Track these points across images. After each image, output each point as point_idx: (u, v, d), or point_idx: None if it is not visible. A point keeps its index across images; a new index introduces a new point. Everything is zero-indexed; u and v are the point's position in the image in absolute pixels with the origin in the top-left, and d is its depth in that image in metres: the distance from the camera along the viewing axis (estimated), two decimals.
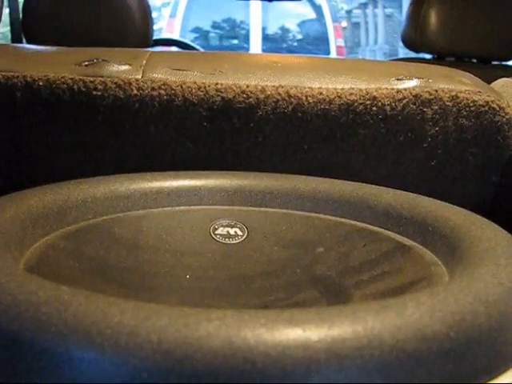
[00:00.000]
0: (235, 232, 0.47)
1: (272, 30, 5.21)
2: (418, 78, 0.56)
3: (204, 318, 0.23)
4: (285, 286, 0.41)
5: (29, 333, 0.23)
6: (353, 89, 0.54)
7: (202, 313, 0.24)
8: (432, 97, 0.54)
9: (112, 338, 0.23)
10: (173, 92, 0.54)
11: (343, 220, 0.46)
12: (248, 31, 4.88)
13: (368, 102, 0.54)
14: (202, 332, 0.23)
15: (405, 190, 0.47)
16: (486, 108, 0.55)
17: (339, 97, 0.54)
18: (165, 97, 0.53)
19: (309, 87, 0.54)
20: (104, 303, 0.24)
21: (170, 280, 0.41)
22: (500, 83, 0.65)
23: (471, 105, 0.55)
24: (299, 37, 5.29)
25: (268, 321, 0.23)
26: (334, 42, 4.76)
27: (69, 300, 0.25)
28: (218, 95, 0.54)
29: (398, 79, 0.56)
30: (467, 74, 0.60)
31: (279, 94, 0.54)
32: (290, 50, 5.15)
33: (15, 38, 1.62)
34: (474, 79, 0.59)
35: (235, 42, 5.09)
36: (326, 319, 0.24)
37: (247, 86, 0.54)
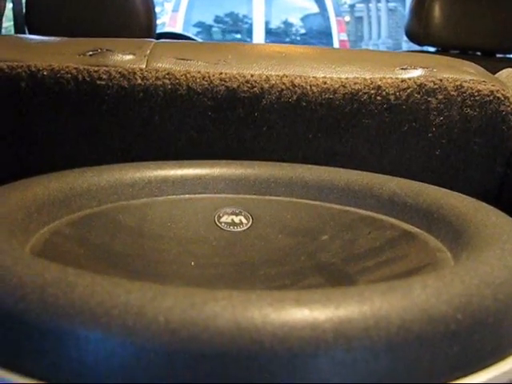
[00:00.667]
0: (240, 220, 0.47)
1: (275, 24, 5.20)
2: (423, 68, 0.56)
3: (211, 298, 0.23)
4: (290, 272, 0.41)
5: (35, 314, 0.24)
6: (357, 78, 0.54)
7: (208, 293, 0.24)
8: (436, 86, 0.54)
9: (119, 318, 0.23)
10: (177, 82, 0.54)
11: (348, 208, 0.46)
12: (251, 25, 4.87)
13: (372, 92, 0.54)
14: (209, 312, 0.23)
15: (409, 179, 0.47)
16: (491, 97, 0.55)
17: (343, 86, 0.54)
18: (169, 86, 0.53)
19: (313, 77, 0.54)
20: (110, 284, 0.24)
21: (174, 267, 0.42)
22: (505, 73, 0.65)
23: (476, 94, 0.55)
24: (302, 31, 5.28)
25: (275, 301, 0.23)
26: (337, 36, 4.75)
27: (75, 281, 0.25)
28: (223, 85, 0.54)
29: (402, 69, 0.56)
30: (472, 63, 0.60)
31: (283, 84, 0.54)
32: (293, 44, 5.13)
33: (18, 33, 1.62)
34: (479, 69, 0.59)
35: (238, 36, 5.08)
36: (332, 299, 0.24)
37: (251, 76, 0.54)
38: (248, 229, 0.46)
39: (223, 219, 0.47)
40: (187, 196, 0.48)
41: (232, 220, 0.47)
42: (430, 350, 0.24)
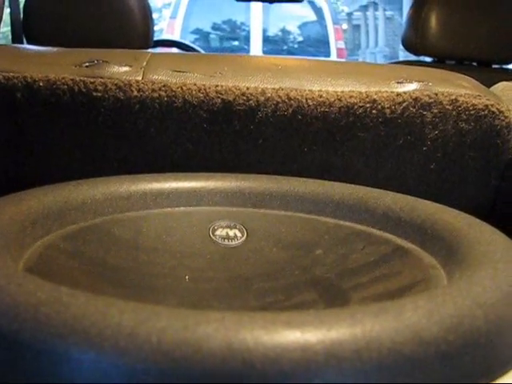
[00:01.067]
0: (234, 233, 0.47)
1: (273, 31, 5.22)
2: (418, 82, 0.56)
3: (203, 319, 0.24)
4: (283, 287, 0.42)
5: (28, 333, 0.24)
6: (353, 92, 0.54)
7: (201, 314, 0.24)
8: (432, 100, 0.55)
9: (111, 339, 0.23)
10: (173, 94, 0.54)
11: (342, 222, 0.46)
12: (248, 33, 4.89)
13: (368, 105, 0.54)
14: (201, 333, 0.23)
15: (404, 193, 0.48)
16: (486, 112, 0.55)
17: (339, 99, 0.54)
18: (165, 98, 0.54)
19: (309, 90, 0.54)
20: (103, 304, 0.24)
21: (169, 281, 0.42)
22: (500, 87, 0.65)
23: (471, 108, 0.55)
24: (300, 39, 5.30)
25: (267, 323, 0.24)
26: (335, 45, 4.77)
27: (68, 301, 0.25)
28: (219, 97, 0.54)
29: (398, 82, 0.56)
30: (467, 77, 0.60)
31: (279, 97, 0.54)
32: (291, 52, 5.15)
33: (16, 38, 1.62)
34: (474, 83, 0.59)
35: (236, 43, 5.10)
36: (324, 321, 0.24)
37: (247, 89, 0.54)
38: (242, 242, 0.46)
39: (218, 232, 0.47)
40: (182, 209, 0.48)
41: (226, 233, 0.47)
42: (421, 372, 0.24)
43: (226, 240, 0.46)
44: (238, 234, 0.47)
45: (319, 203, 0.48)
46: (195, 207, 0.49)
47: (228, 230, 0.47)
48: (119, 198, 0.46)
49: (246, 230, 0.47)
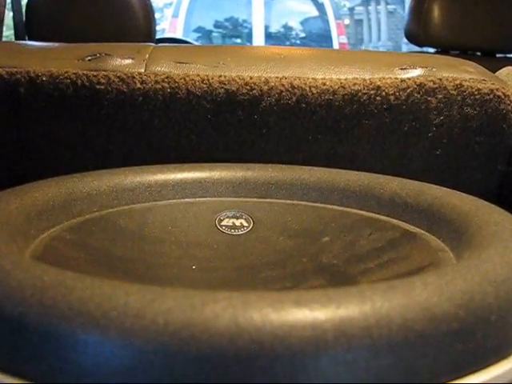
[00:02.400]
0: (241, 223, 0.47)
1: (275, 28, 5.21)
2: (422, 68, 0.56)
3: (210, 299, 0.23)
4: (291, 275, 0.41)
5: (34, 317, 0.23)
6: (357, 79, 0.54)
7: (207, 294, 0.24)
8: (436, 86, 0.54)
9: (117, 321, 0.23)
10: (176, 85, 0.53)
11: (349, 209, 0.46)
12: (251, 30, 4.88)
13: (372, 92, 0.54)
14: (208, 313, 0.23)
15: (410, 179, 0.47)
16: (491, 96, 0.55)
17: (343, 87, 0.54)
18: (168, 90, 0.53)
19: (312, 78, 0.54)
20: (109, 286, 0.24)
21: (175, 271, 0.41)
22: (505, 71, 0.64)
23: (476, 93, 0.54)
24: (302, 35, 5.28)
25: (275, 301, 0.23)
26: (337, 40, 4.75)
27: (73, 284, 0.25)
28: (222, 87, 0.54)
29: (401, 69, 0.55)
30: (471, 62, 0.60)
31: (283, 86, 0.54)
32: None
33: (19, 40, 1.63)
34: (479, 68, 0.59)
35: (238, 40, 5.09)
36: (333, 299, 0.24)
37: (250, 78, 0.54)
38: (249, 232, 0.46)
39: (224, 222, 0.47)
40: (188, 200, 0.48)
41: (233, 223, 0.47)
42: (432, 349, 0.24)
43: (232, 230, 0.46)
44: (245, 224, 0.47)
45: (325, 191, 0.48)
46: (201, 198, 0.49)
47: (234, 219, 0.47)
48: (124, 189, 0.46)
49: (252, 219, 0.47)
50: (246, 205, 0.48)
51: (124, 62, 0.55)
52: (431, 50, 1.57)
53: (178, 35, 4.42)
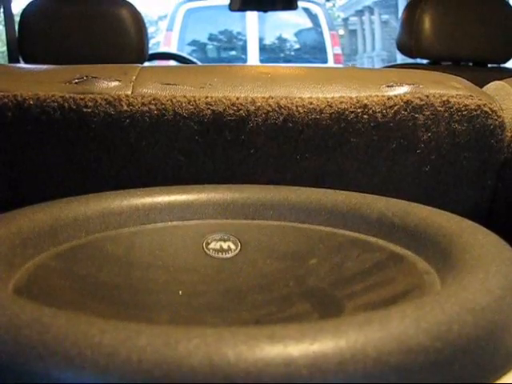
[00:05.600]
0: (228, 246, 0.46)
1: (269, 40, 5.23)
2: (409, 84, 0.56)
3: (184, 336, 0.23)
4: (277, 299, 0.41)
5: (9, 355, 0.23)
6: (343, 97, 0.54)
7: (182, 331, 0.24)
8: (423, 102, 0.54)
9: (92, 359, 0.22)
10: (163, 107, 0.53)
11: (336, 230, 0.46)
12: (245, 42, 4.90)
13: (359, 110, 0.54)
14: (182, 351, 0.22)
15: (400, 197, 0.47)
16: (478, 112, 0.55)
17: (330, 106, 0.54)
18: (155, 112, 0.53)
19: (299, 97, 0.54)
20: (85, 324, 0.24)
21: (162, 296, 0.41)
22: (492, 86, 0.65)
23: (463, 109, 0.54)
24: (296, 46, 5.30)
25: (248, 338, 0.23)
26: (332, 50, 4.77)
27: (49, 322, 0.24)
28: (209, 108, 0.53)
29: (388, 86, 0.55)
30: (458, 78, 0.60)
31: (269, 105, 0.54)
32: (288, 60, 5.16)
33: (12, 59, 1.63)
34: (466, 83, 0.59)
35: (233, 53, 5.11)
36: (307, 334, 0.23)
37: (237, 99, 0.54)
38: (236, 255, 0.46)
39: (211, 246, 0.46)
40: (175, 223, 0.48)
41: (220, 246, 0.46)
42: (410, 381, 0.23)
43: (219, 253, 0.46)
44: (232, 247, 0.46)
45: (312, 212, 0.48)
46: (188, 221, 0.48)
47: (222, 242, 0.47)
48: (111, 214, 0.46)
49: (240, 241, 0.47)
50: (233, 227, 0.48)
51: (111, 85, 0.55)
52: (424, 61, 1.58)
53: (173, 49, 4.43)
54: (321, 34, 4.86)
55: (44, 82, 0.56)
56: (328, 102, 0.54)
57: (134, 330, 0.24)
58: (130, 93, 0.54)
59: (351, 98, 0.54)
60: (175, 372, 0.22)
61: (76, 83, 0.55)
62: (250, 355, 0.22)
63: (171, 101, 0.53)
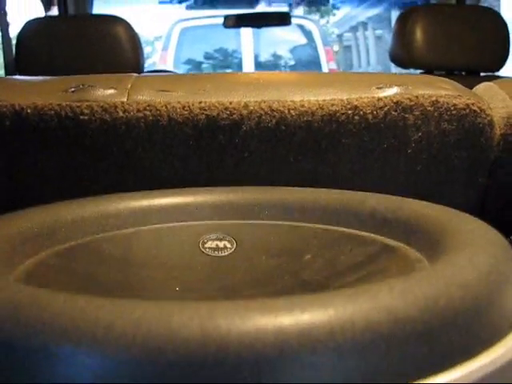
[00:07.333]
0: (224, 245, 0.47)
1: (264, 57, 5.27)
2: (398, 86, 0.57)
3: (177, 309, 0.24)
4: (272, 292, 0.42)
5: (8, 333, 0.24)
6: (334, 99, 0.55)
7: (175, 305, 0.24)
8: (413, 103, 0.55)
9: (88, 333, 0.23)
10: (158, 113, 0.55)
11: (330, 227, 0.47)
12: (241, 60, 4.94)
13: (350, 112, 0.55)
14: (175, 323, 0.23)
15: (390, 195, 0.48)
16: (467, 111, 0.56)
17: (321, 108, 0.55)
18: (150, 118, 0.54)
19: (291, 100, 0.55)
20: (82, 301, 0.25)
21: (159, 293, 0.42)
22: (481, 87, 0.66)
23: (452, 108, 0.56)
24: (291, 62, 5.34)
25: (240, 309, 0.24)
26: (327, 66, 4.80)
27: (47, 301, 0.25)
28: (203, 113, 0.55)
29: (378, 88, 0.57)
30: (447, 79, 0.61)
31: (262, 109, 0.55)
32: None
33: (9, 75, 1.65)
34: (454, 84, 0.60)
35: (229, 70, 5.14)
36: (298, 305, 0.24)
37: (230, 103, 0.55)
38: (232, 253, 0.47)
39: (208, 245, 0.47)
40: (172, 224, 0.49)
41: (216, 245, 0.47)
42: (397, 351, 0.24)
43: (215, 251, 0.47)
44: (228, 245, 0.47)
45: (306, 210, 0.49)
46: (185, 222, 0.49)
47: (218, 241, 0.48)
48: (108, 216, 0.47)
49: (236, 241, 0.48)
50: (229, 227, 0.49)
51: (106, 92, 0.56)
52: (418, 71, 1.59)
53: (169, 68, 4.46)
54: (315, 49, 4.90)
55: (41, 91, 0.57)
56: (319, 104, 0.55)
57: (130, 305, 0.24)
58: (125, 100, 0.55)
59: (342, 100, 0.55)
60: (168, 344, 0.23)
61: (72, 92, 0.57)
62: (242, 325, 0.23)
63: (166, 107, 0.55)
